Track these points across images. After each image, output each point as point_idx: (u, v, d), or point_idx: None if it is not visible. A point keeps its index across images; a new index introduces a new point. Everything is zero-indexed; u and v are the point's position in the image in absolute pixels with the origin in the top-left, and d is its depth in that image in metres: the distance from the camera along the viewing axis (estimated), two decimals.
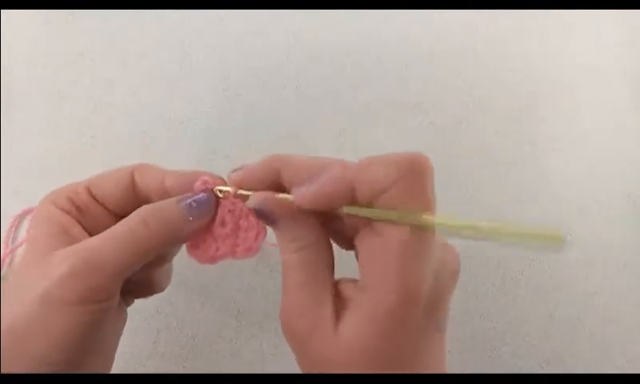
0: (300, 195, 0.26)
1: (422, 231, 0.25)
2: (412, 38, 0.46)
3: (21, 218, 0.42)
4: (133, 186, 0.31)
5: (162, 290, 0.34)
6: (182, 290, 0.41)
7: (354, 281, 0.27)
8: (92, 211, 0.30)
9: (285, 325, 0.27)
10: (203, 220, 0.29)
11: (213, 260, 0.30)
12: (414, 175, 0.25)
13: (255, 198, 0.28)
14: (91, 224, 0.30)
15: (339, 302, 0.26)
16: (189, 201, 0.29)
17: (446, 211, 0.43)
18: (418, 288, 0.24)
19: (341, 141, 0.44)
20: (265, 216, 0.27)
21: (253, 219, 0.30)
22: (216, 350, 0.40)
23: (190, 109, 0.45)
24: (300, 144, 0.44)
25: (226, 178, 0.30)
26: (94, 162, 0.44)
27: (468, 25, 0.47)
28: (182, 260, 0.32)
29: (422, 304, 0.25)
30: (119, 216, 0.30)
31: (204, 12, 0.47)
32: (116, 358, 0.30)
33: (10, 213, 0.42)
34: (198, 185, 0.29)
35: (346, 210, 0.26)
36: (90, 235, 0.29)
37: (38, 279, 0.26)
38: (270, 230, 0.28)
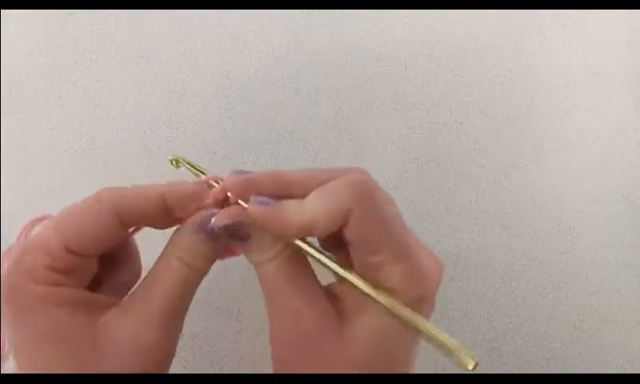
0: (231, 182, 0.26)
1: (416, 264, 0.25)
2: (412, 38, 0.46)
3: (33, 223, 0.41)
4: (117, 220, 0.26)
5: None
6: None
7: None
8: (78, 268, 0.26)
9: (276, 341, 0.27)
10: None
11: None
12: (364, 204, 0.24)
13: (226, 214, 0.26)
14: (81, 278, 0.27)
15: (337, 302, 0.26)
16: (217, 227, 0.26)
17: (446, 211, 0.43)
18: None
19: (341, 141, 0.44)
20: (237, 230, 0.26)
21: None
22: (216, 349, 0.40)
23: (190, 109, 0.45)
24: (299, 144, 0.44)
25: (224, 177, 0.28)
26: (94, 162, 0.44)
27: (468, 25, 0.47)
28: None
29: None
30: (104, 256, 0.28)
31: (204, 12, 0.47)
32: None
33: (10, 213, 0.42)
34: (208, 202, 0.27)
35: (302, 245, 0.26)
36: (85, 286, 0.27)
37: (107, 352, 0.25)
38: None
